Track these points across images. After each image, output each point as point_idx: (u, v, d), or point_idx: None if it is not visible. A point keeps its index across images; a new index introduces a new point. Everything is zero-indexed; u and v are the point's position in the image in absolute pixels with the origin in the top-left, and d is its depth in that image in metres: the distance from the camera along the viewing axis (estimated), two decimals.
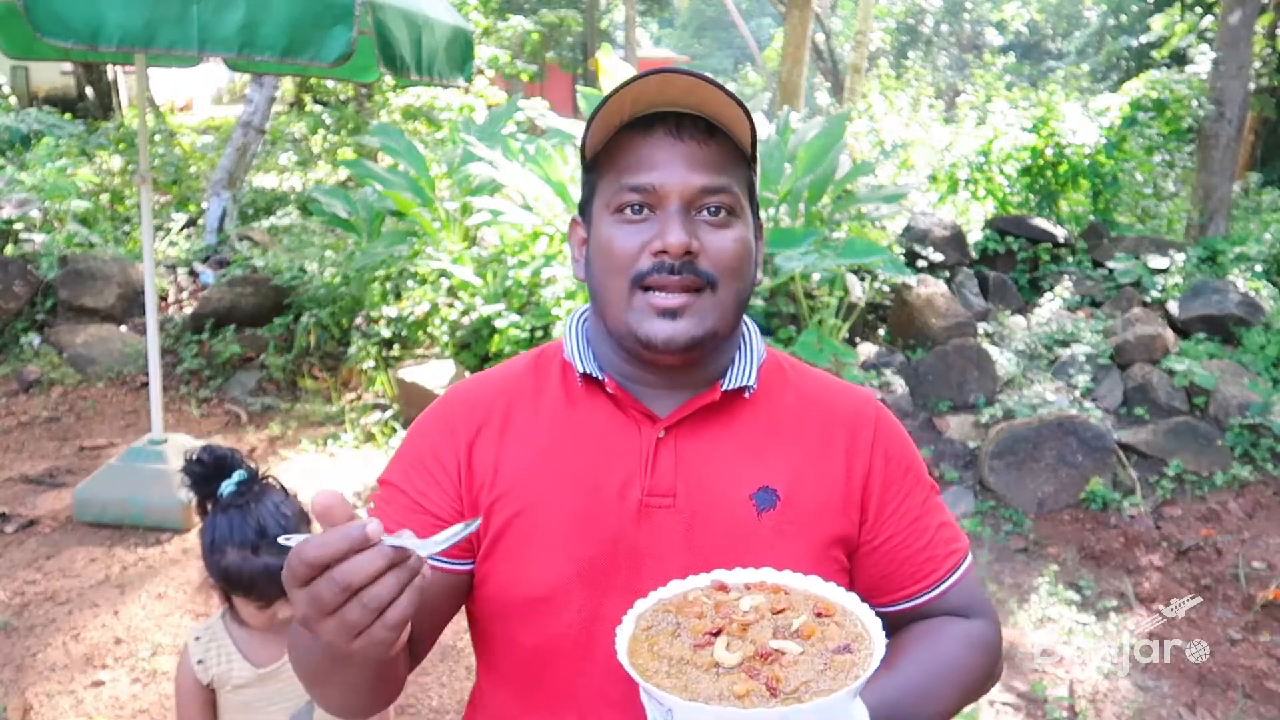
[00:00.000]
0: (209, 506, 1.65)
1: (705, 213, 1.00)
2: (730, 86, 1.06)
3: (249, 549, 1.59)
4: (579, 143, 1.05)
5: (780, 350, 1.17)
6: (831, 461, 1.07)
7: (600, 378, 1.05)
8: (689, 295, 0.99)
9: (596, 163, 1.04)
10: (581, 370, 1.06)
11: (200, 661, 1.68)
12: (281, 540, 0.75)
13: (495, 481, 1.04)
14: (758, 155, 1.05)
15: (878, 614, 1.00)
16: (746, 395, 1.07)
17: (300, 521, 1.66)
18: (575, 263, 1.10)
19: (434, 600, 1.02)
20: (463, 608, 1.10)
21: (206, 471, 1.63)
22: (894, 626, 1.08)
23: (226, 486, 1.63)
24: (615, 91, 0.97)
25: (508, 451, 1.05)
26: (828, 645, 0.85)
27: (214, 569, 1.62)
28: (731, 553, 0.99)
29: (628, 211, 1.00)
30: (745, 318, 1.12)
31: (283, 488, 1.70)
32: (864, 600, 1.00)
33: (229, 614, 1.72)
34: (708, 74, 0.98)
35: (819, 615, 0.89)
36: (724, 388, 1.05)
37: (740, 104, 0.98)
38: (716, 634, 0.86)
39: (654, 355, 1.01)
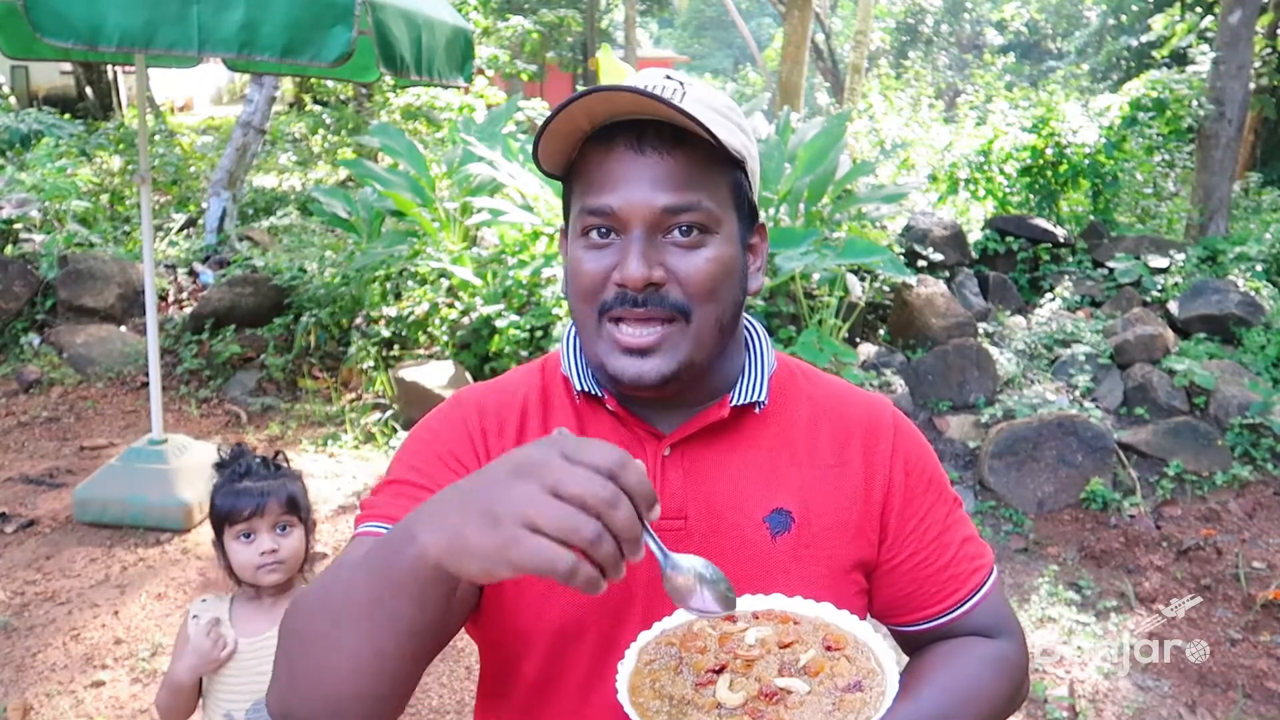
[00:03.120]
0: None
1: (675, 233, 0.92)
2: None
3: (234, 481, 1.84)
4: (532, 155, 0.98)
5: (791, 357, 1.12)
6: (848, 478, 1.01)
7: (599, 394, 1.00)
8: (660, 327, 0.92)
9: (570, 175, 0.98)
10: (579, 388, 1.00)
11: (195, 616, 1.84)
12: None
13: None
14: (745, 153, 0.96)
15: (898, 634, 0.97)
16: (757, 410, 1.02)
17: (285, 478, 1.89)
18: (566, 275, 1.03)
19: (460, 598, 0.91)
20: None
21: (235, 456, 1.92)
22: (915, 646, 1.05)
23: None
24: (559, 111, 0.90)
25: None
26: (837, 683, 0.80)
27: (212, 513, 1.86)
28: (745, 579, 0.94)
29: (593, 235, 0.93)
30: (754, 325, 1.07)
31: (288, 464, 1.95)
32: (884, 620, 0.96)
33: (228, 575, 1.88)
34: (654, 88, 0.90)
35: (829, 649, 0.84)
36: (733, 403, 0.99)
37: (691, 115, 0.87)
38: (719, 671, 0.81)
39: (625, 390, 0.96)
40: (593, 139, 0.93)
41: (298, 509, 1.86)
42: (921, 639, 1.04)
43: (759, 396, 1.01)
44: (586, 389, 1.00)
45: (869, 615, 1.06)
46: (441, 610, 0.77)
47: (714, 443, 1.00)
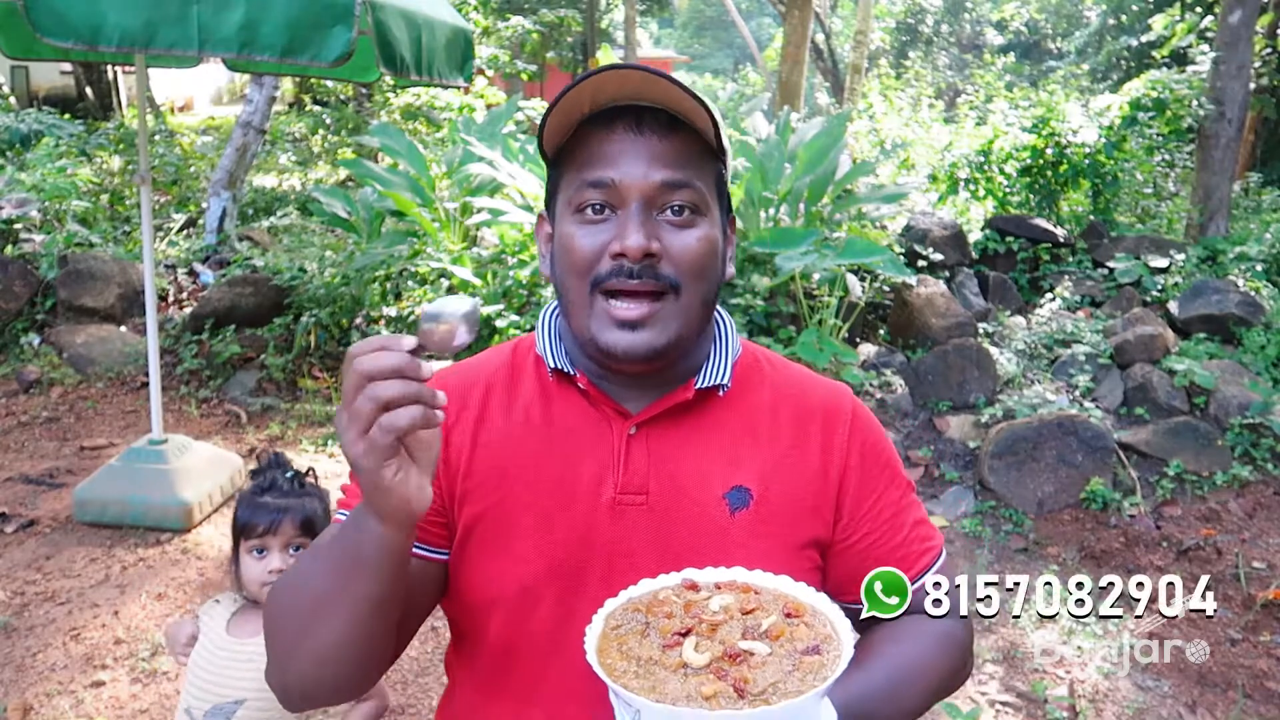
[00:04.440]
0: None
1: (668, 212, 0.97)
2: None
3: (258, 494, 1.86)
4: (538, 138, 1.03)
5: (758, 345, 1.16)
6: (806, 460, 1.06)
7: (572, 373, 1.04)
8: (651, 303, 0.97)
9: (559, 159, 1.02)
10: (553, 365, 1.04)
11: (217, 601, 1.90)
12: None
13: (469, 472, 1.03)
14: (727, 147, 1.03)
15: (850, 611, 1.02)
16: (720, 394, 1.06)
17: (307, 497, 1.89)
18: (542, 259, 1.08)
19: (412, 587, 1.00)
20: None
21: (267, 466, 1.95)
22: (864, 624, 1.09)
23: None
24: (571, 87, 0.95)
25: (482, 444, 1.04)
26: (796, 646, 0.85)
27: (233, 521, 1.88)
28: (704, 552, 0.99)
29: (588, 211, 0.98)
30: (720, 311, 1.11)
31: (315, 483, 1.96)
32: (837, 597, 1.02)
33: (235, 585, 1.89)
34: (663, 71, 0.97)
35: (789, 615, 0.89)
36: (698, 385, 1.04)
37: (697, 97, 0.95)
38: (685, 634, 0.86)
39: (615, 364, 1.00)
40: (590, 121, 0.98)
41: (313, 530, 1.85)
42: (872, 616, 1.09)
43: (722, 379, 1.05)
44: (559, 366, 1.04)
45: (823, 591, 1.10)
46: (397, 580, 0.89)
47: (679, 423, 1.04)
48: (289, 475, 1.90)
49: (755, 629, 0.87)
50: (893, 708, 0.99)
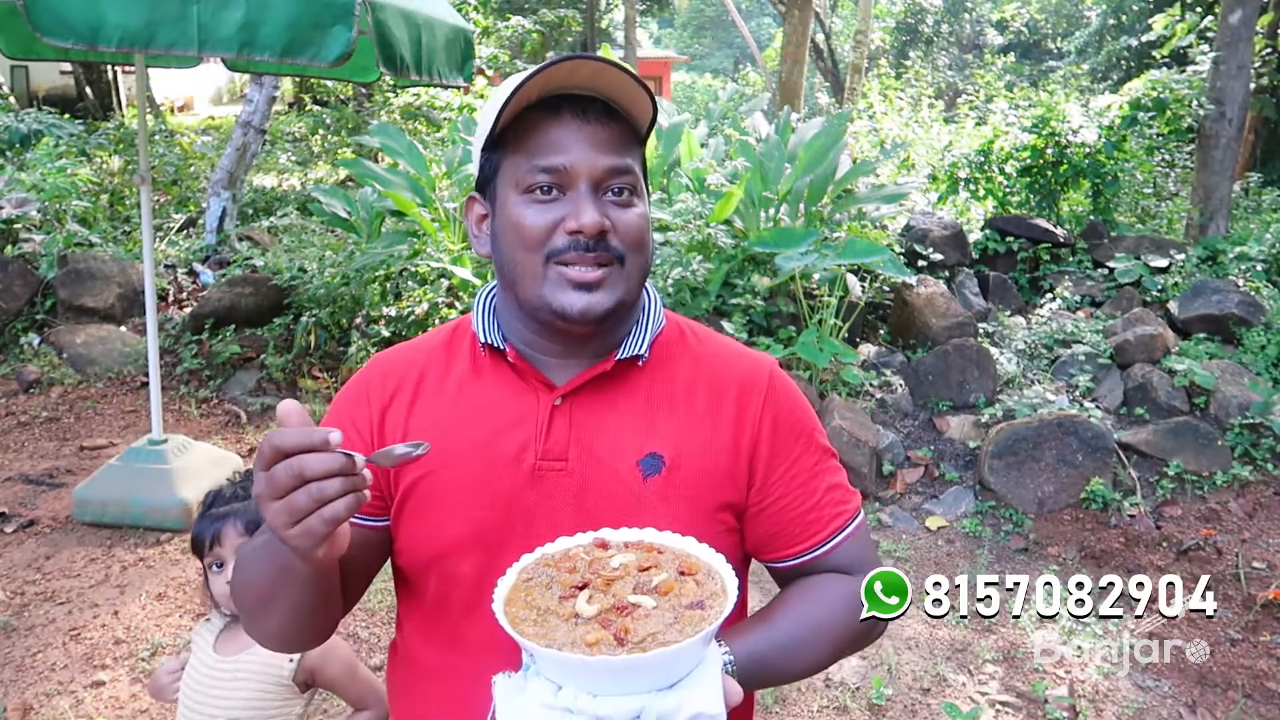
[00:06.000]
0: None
1: (610, 193, 1.06)
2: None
3: (203, 512, 1.83)
4: (484, 125, 1.10)
5: (685, 318, 1.23)
6: (721, 429, 1.12)
7: (502, 348, 1.11)
8: (603, 269, 1.05)
9: (501, 142, 1.08)
10: (484, 340, 1.12)
11: (209, 620, 1.87)
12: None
13: None
14: (650, 136, 1.13)
15: (769, 569, 1.16)
16: (640, 364, 1.12)
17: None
18: (475, 239, 1.15)
19: (356, 552, 1.09)
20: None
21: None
22: (784, 581, 1.17)
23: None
24: (527, 79, 1.01)
25: (416, 418, 1.12)
26: (682, 601, 0.91)
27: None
28: (619, 515, 1.06)
29: (537, 192, 1.05)
30: (650, 289, 1.17)
31: None
32: (756, 556, 1.14)
33: (213, 605, 1.85)
34: (612, 59, 1.05)
35: (682, 574, 0.95)
36: (618, 357, 1.11)
37: (645, 87, 1.04)
38: (582, 587, 0.93)
39: (568, 326, 1.07)
40: (535, 108, 1.06)
41: None
42: (788, 574, 1.16)
43: (640, 350, 1.12)
44: (490, 341, 1.12)
45: (745, 552, 1.17)
46: (330, 579, 1.00)
47: (599, 394, 1.11)
48: (233, 481, 1.86)
49: (646, 584, 0.93)
50: (792, 660, 1.06)
